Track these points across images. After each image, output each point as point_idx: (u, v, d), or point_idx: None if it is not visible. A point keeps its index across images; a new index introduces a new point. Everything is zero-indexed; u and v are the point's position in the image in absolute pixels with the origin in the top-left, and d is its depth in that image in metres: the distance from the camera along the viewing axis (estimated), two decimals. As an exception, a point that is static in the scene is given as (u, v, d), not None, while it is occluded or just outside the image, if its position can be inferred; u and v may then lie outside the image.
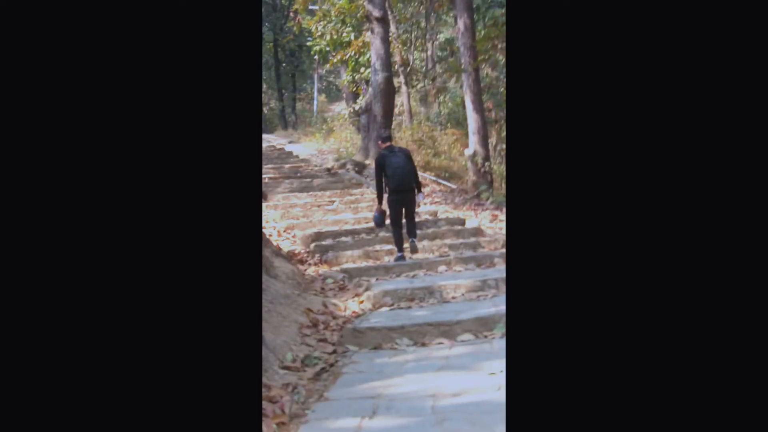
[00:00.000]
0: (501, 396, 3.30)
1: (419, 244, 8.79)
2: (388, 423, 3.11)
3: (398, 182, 8.29)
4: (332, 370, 4.45)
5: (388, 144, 8.66)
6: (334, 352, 5.02)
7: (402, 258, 8.37)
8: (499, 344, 4.68)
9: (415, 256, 8.67)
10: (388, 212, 8.63)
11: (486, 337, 5.00)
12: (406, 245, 8.71)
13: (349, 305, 6.67)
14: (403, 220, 8.53)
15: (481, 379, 3.74)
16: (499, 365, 3.96)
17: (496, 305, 5.62)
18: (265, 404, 3.50)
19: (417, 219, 10.28)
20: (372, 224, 9.48)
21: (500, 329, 5.03)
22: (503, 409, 3.02)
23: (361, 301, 6.66)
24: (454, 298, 6.47)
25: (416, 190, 8.60)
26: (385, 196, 8.54)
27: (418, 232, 9.71)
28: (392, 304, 6.40)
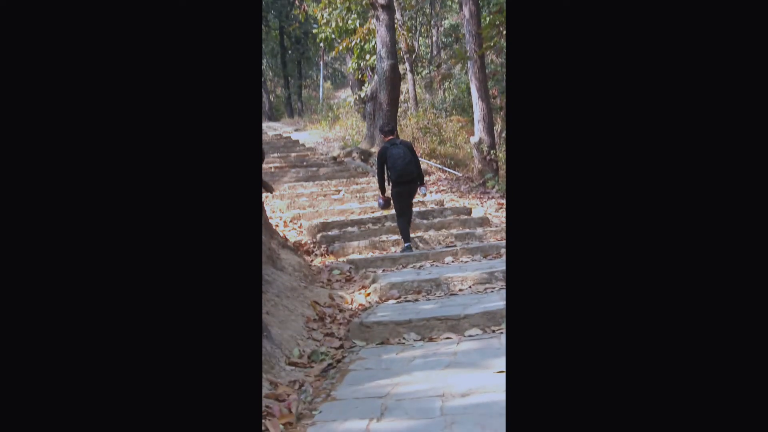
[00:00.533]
0: (510, 396, 3.28)
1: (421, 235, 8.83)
2: (396, 425, 3.08)
3: (399, 173, 8.32)
4: (339, 367, 4.42)
5: (390, 137, 8.71)
6: (341, 347, 5.00)
7: (409, 248, 8.39)
8: (507, 339, 4.66)
9: (420, 245, 8.69)
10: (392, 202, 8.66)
11: (494, 331, 4.96)
12: (413, 235, 8.73)
13: (355, 298, 6.65)
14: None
15: (489, 377, 3.70)
16: (508, 362, 3.94)
17: (503, 298, 5.58)
18: (272, 403, 3.49)
19: (423, 208, 10.33)
20: (377, 213, 9.54)
21: (508, 324, 5.01)
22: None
23: (368, 294, 6.64)
24: (461, 290, 6.44)
25: (419, 182, 8.62)
26: (389, 189, 8.58)
27: (425, 221, 9.73)
28: (399, 297, 6.38)
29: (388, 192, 8.65)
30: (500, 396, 3.33)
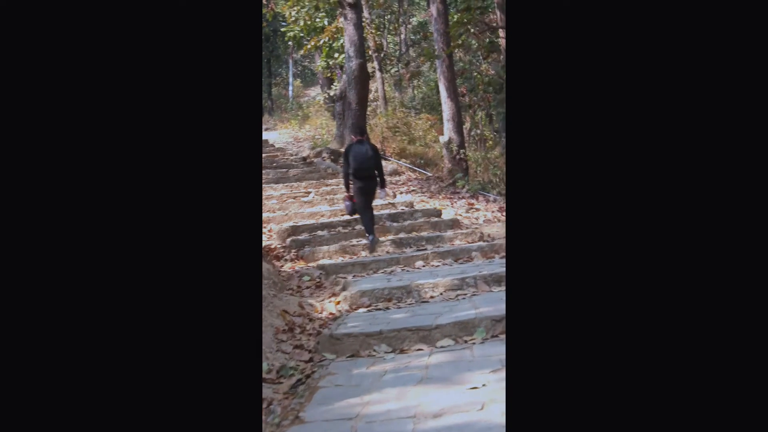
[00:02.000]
0: (484, 416, 3.21)
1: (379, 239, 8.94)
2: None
3: (357, 166, 8.48)
4: (308, 383, 4.31)
5: (359, 138, 8.82)
6: (311, 360, 4.89)
7: (373, 241, 8.50)
8: (480, 351, 4.58)
9: (394, 249, 8.65)
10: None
11: (466, 342, 4.88)
12: (383, 239, 8.69)
13: (326, 306, 6.54)
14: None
15: (463, 394, 3.61)
16: (481, 377, 3.86)
17: (476, 307, 5.51)
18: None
19: (394, 210, 10.28)
20: (348, 216, 9.48)
21: (480, 334, 4.93)
22: (486, 433, 2.94)
23: (338, 302, 6.53)
24: (432, 297, 6.35)
25: (379, 183, 8.74)
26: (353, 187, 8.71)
27: (395, 224, 9.66)
28: (369, 305, 6.28)
29: (353, 190, 8.73)
30: (473, 416, 3.26)
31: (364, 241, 8.84)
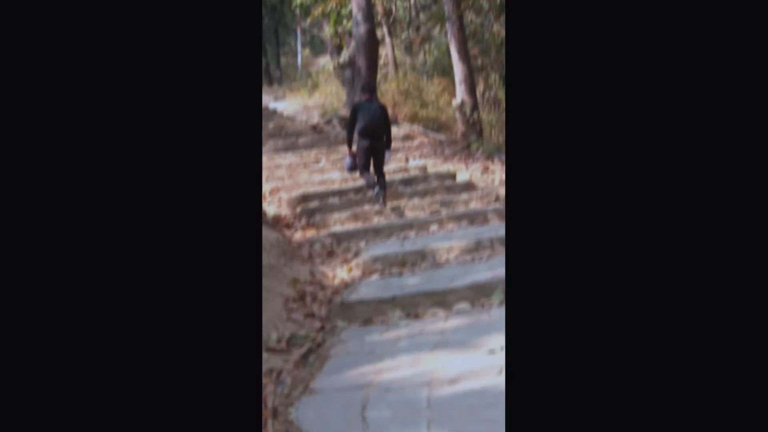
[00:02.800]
0: (502, 381, 3.02)
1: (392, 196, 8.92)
2: (378, 424, 2.79)
3: (364, 124, 8.36)
4: (319, 352, 4.14)
5: (368, 96, 8.75)
6: (322, 328, 4.71)
7: (380, 193, 8.51)
8: (498, 313, 4.37)
9: (408, 213, 8.44)
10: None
11: (483, 305, 4.67)
12: (395, 203, 8.53)
13: (337, 273, 6.36)
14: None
15: (480, 358, 3.43)
16: (499, 340, 3.66)
17: (492, 269, 5.30)
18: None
19: (407, 176, 10.09)
20: (359, 182, 9.27)
21: (498, 296, 4.72)
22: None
23: (350, 269, 6.33)
24: (447, 261, 6.14)
25: (385, 143, 8.62)
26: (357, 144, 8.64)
27: (407, 189, 9.45)
28: (383, 271, 6.08)
29: (354, 148, 8.63)
30: (491, 381, 3.08)
31: (377, 207, 8.63)
